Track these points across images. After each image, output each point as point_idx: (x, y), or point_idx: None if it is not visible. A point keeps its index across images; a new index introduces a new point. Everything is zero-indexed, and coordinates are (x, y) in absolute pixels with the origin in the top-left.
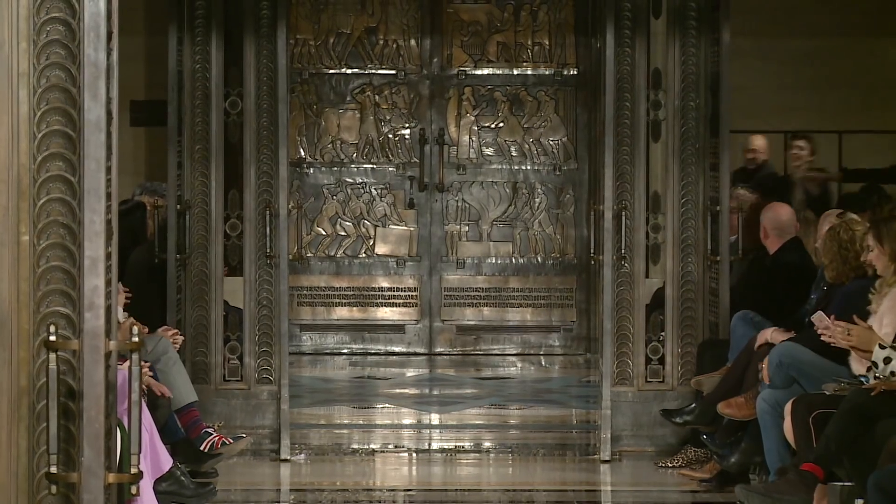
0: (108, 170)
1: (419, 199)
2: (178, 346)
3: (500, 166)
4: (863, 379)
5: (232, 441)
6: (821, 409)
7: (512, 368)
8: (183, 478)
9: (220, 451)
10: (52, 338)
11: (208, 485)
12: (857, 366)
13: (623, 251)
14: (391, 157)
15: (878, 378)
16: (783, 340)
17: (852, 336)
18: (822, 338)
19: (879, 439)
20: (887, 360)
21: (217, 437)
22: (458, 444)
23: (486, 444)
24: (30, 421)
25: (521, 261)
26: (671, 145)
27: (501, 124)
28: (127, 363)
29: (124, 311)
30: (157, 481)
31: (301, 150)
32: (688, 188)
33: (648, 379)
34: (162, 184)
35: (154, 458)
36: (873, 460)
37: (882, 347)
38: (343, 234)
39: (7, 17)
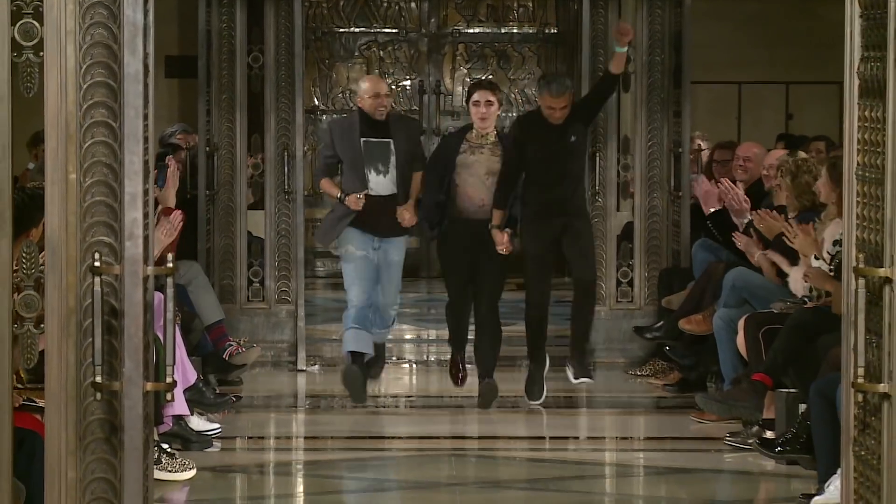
0: (146, 116)
1: None
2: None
3: None
4: (805, 298)
5: (245, 350)
6: (769, 325)
7: None
8: (204, 389)
9: (243, 362)
10: (97, 264)
11: (226, 395)
12: (795, 286)
13: (597, 188)
14: (394, 106)
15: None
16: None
17: (797, 240)
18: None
19: (820, 352)
20: None
21: (234, 348)
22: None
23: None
24: (77, 337)
25: None
26: (639, 95)
27: (490, 76)
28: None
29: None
30: (183, 392)
31: (315, 99)
32: (653, 133)
33: (619, 300)
34: (174, 125)
35: (183, 371)
36: (815, 370)
37: (816, 259)
38: None
39: None
